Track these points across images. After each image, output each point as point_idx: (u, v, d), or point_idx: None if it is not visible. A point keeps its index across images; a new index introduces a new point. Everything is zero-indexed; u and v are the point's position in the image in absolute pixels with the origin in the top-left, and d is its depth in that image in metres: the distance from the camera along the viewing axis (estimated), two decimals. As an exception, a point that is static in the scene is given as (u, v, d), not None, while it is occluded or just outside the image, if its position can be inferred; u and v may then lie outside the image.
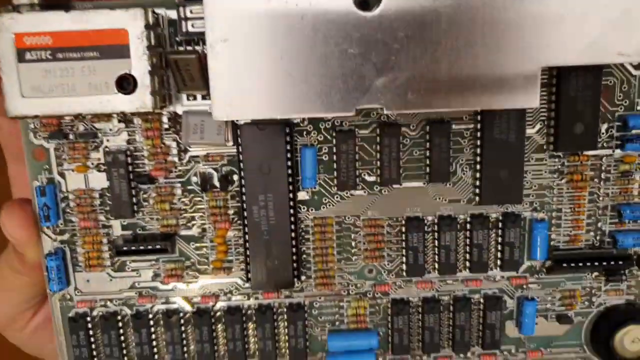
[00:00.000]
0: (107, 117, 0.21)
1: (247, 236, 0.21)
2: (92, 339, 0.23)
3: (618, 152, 0.21)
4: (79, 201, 0.22)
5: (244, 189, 0.21)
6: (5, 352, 0.29)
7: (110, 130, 0.21)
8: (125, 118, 0.21)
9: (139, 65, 0.19)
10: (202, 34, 0.19)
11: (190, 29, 0.19)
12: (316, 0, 0.18)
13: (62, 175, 0.21)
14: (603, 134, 0.21)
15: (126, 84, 0.19)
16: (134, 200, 0.21)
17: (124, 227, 0.22)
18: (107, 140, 0.21)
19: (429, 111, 0.20)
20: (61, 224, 0.22)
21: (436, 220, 0.22)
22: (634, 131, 0.21)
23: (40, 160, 0.21)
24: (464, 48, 0.18)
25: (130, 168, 0.21)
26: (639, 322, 0.23)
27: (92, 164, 0.21)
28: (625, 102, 0.21)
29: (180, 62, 0.19)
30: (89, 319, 0.23)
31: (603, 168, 0.22)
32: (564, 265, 0.22)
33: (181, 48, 0.20)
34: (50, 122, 0.21)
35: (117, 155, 0.21)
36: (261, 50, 0.18)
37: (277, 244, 0.21)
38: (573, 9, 0.18)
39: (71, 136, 0.21)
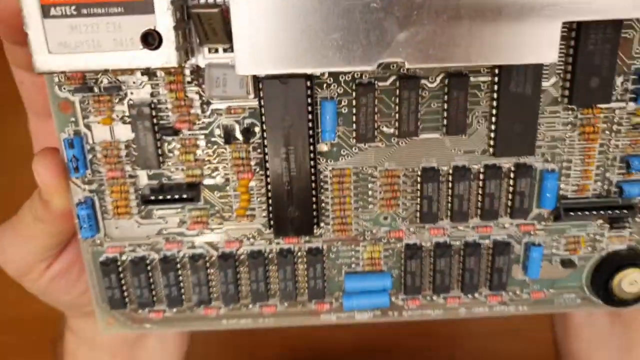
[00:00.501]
0: (131, 70, 0.21)
1: (269, 186, 0.22)
2: (123, 282, 0.24)
3: (631, 105, 0.22)
4: (106, 152, 0.22)
5: (265, 141, 0.22)
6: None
7: (134, 83, 0.21)
8: (148, 71, 0.21)
9: (163, 20, 0.19)
10: None
11: (211, -18, 0.19)
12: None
13: (88, 127, 0.22)
14: (618, 87, 0.22)
15: (151, 39, 0.19)
16: (159, 151, 0.22)
17: (150, 177, 0.23)
18: (131, 93, 0.22)
19: (449, 66, 0.21)
20: (89, 174, 0.23)
21: (451, 171, 0.23)
22: (648, 84, 0.21)
23: (66, 113, 0.22)
24: (485, 3, 0.18)
25: (154, 120, 0.22)
26: (638, 266, 0.24)
27: (117, 116, 0.22)
28: (643, 55, 0.21)
29: (203, 16, 0.19)
30: (119, 263, 0.24)
31: (615, 120, 0.22)
32: (571, 213, 0.23)
33: (202, 1, 0.20)
34: (75, 76, 0.21)
35: (142, 108, 0.21)
36: (284, 4, 0.18)
37: (298, 194, 0.22)
38: (598, -37, 0.18)
39: (96, 89, 0.21)
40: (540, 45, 0.19)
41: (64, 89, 0.22)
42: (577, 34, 0.20)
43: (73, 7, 0.19)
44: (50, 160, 0.22)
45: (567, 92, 0.22)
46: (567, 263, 0.24)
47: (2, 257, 0.25)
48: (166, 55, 0.19)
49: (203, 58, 0.21)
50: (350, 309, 0.25)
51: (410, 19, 0.18)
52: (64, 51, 0.19)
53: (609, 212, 0.23)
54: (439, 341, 0.46)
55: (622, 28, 0.20)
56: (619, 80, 0.22)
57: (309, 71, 0.20)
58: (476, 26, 0.18)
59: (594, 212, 0.23)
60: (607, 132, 0.22)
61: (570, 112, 0.22)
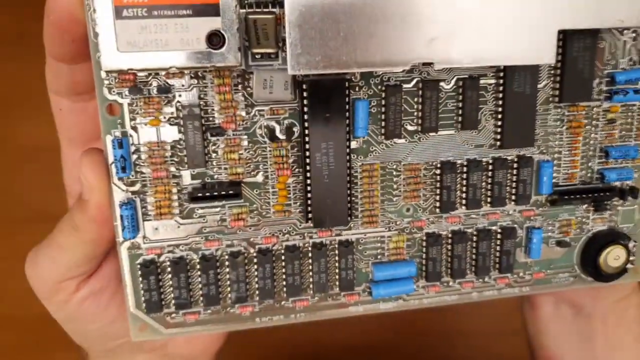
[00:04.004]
0: (180, 73, 0.23)
1: (308, 180, 0.24)
2: (161, 284, 0.25)
3: (606, 103, 0.26)
4: (151, 153, 0.23)
5: (307, 139, 0.24)
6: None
7: (182, 86, 0.23)
8: (197, 74, 0.23)
9: (227, 23, 0.21)
10: None
11: (263, -8, 0.22)
12: (381, -31, 0.21)
13: (134, 129, 0.23)
14: (594, 88, 0.26)
15: (216, 40, 0.21)
16: (206, 150, 0.23)
17: (193, 177, 0.24)
18: (179, 96, 0.23)
19: (471, 66, 0.24)
20: (132, 176, 0.23)
21: (465, 163, 0.26)
22: (619, 85, 0.26)
23: (114, 115, 0.23)
24: (501, 14, 0.22)
25: (202, 121, 0.23)
26: (618, 243, 0.28)
27: (164, 117, 0.23)
28: (613, 61, 0.26)
29: (258, 21, 0.22)
30: (158, 264, 0.24)
31: (594, 117, 0.26)
32: (565, 197, 0.27)
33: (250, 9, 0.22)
34: (127, 79, 0.22)
35: (193, 109, 0.23)
36: (331, 12, 0.21)
37: (335, 187, 0.24)
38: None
39: (145, 91, 0.23)
40: (541, 49, 0.23)
41: (113, 91, 0.22)
42: (563, 44, 0.25)
43: (144, 9, 0.20)
44: (97, 159, 0.23)
45: (557, 92, 0.26)
46: (562, 243, 0.28)
47: (34, 272, 0.25)
48: (229, 56, 0.21)
49: (249, 62, 0.23)
50: (379, 297, 0.26)
51: (439, 26, 0.22)
52: (132, 50, 0.20)
53: (594, 195, 0.27)
54: (437, 341, 0.48)
55: (598, 38, 0.25)
56: (595, 82, 0.26)
57: (351, 71, 0.23)
58: (494, 33, 0.22)
59: (583, 196, 0.27)
60: (588, 126, 0.27)
61: (559, 110, 0.26)
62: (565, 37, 0.25)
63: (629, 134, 0.27)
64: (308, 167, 0.24)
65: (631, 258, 0.28)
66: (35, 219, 0.41)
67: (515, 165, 0.26)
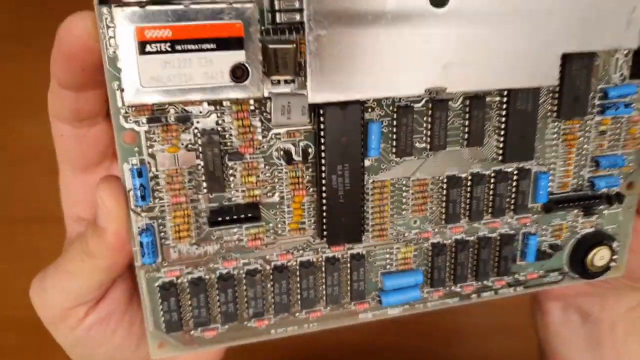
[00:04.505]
0: (199, 101, 0.22)
1: (324, 200, 0.25)
2: (181, 304, 0.25)
3: (597, 117, 0.28)
4: (170, 179, 0.23)
5: (323, 160, 0.24)
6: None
7: (200, 112, 0.23)
8: (215, 102, 0.23)
9: (251, 55, 0.21)
10: (292, 23, 0.21)
11: (282, 20, 0.22)
12: (398, 1, 0.21)
13: (152, 156, 0.23)
14: (589, 102, 0.27)
15: (239, 73, 0.21)
16: (224, 174, 0.24)
17: (211, 200, 0.24)
18: (197, 122, 0.23)
19: (479, 90, 0.25)
20: (150, 202, 0.23)
21: (470, 177, 0.27)
22: (611, 100, 0.27)
23: (131, 143, 0.23)
24: (508, 40, 0.23)
25: (221, 147, 0.23)
26: (604, 244, 0.30)
27: (182, 144, 0.23)
28: (606, 77, 0.27)
29: (279, 51, 0.22)
30: (176, 285, 0.25)
31: (587, 129, 0.28)
32: (559, 205, 0.28)
33: (268, 37, 0.22)
34: (145, 108, 0.22)
35: (212, 136, 0.23)
36: (350, 42, 0.21)
37: (350, 206, 0.25)
38: (589, 10, 0.23)
39: (163, 119, 0.22)
40: (545, 71, 0.24)
41: (130, 120, 0.22)
42: (563, 63, 0.26)
43: (168, 44, 0.20)
44: (115, 187, 0.23)
45: (555, 108, 0.27)
46: (554, 247, 0.30)
47: (41, 299, 0.25)
48: (253, 87, 0.21)
49: (266, 89, 0.23)
50: (387, 305, 0.28)
51: (449, 52, 0.22)
52: (156, 85, 0.20)
53: (584, 202, 0.29)
54: (436, 341, 0.49)
55: (595, 58, 0.26)
56: (589, 96, 0.27)
57: (369, 97, 0.23)
58: (500, 58, 0.23)
59: (574, 203, 0.29)
60: (581, 138, 0.28)
61: (555, 124, 0.27)
62: (565, 57, 0.26)
63: (617, 144, 0.29)
64: (324, 188, 0.24)
65: (614, 257, 0.30)
66: (35, 219, 0.41)
67: (515, 177, 0.28)
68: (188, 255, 0.25)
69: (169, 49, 0.20)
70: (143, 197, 0.23)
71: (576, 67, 0.26)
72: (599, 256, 0.30)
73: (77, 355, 0.27)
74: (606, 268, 0.30)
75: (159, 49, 0.20)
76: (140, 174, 0.22)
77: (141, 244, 0.23)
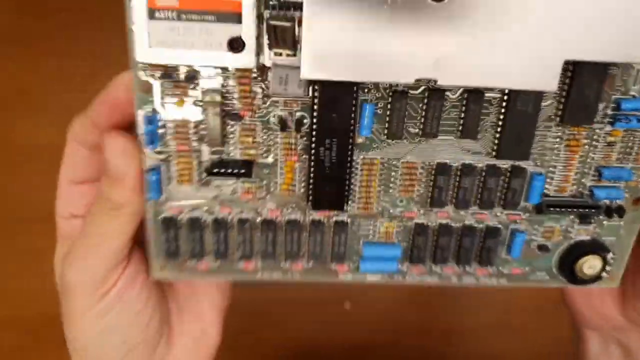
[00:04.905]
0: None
1: (312, 169, 0.27)
2: (179, 237, 0.29)
3: (608, 127, 0.27)
4: (177, 129, 0.26)
5: (313, 132, 0.26)
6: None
7: (208, 75, 0.25)
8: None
9: (247, 30, 0.23)
10: (295, 2, 0.23)
11: (285, -1, 0.23)
12: (397, -10, 0.22)
13: (163, 106, 0.26)
14: (600, 111, 0.27)
15: (236, 44, 0.23)
16: (224, 132, 0.26)
17: (212, 153, 0.27)
18: (205, 82, 0.26)
19: (471, 86, 0.25)
20: (160, 146, 0.27)
21: (460, 167, 0.28)
22: (623, 112, 0.27)
23: (146, 94, 0.26)
24: (507, 38, 0.23)
25: (222, 107, 0.26)
26: (596, 254, 0.30)
27: (190, 100, 0.26)
28: (623, 88, 0.26)
29: (278, 28, 0.23)
30: (177, 221, 0.28)
31: (595, 138, 0.28)
32: (551, 209, 0.29)
33: (272, 12, 0.24)
34: (158, 64, 0.25)
35: (214, 95, 0.25)
36: (347, 25, 0.23)
37: (335, 176, 0.27)
38: (596, 14, 0.23)
39: (174, 76, 0.25)
40: (545, 75, 0.24)
41: (147, 73, 0.25)
42: (573, 69, 0.25)
43: (174, 13, 0.22)
44: (126, 137, 0.26)
45: (559, 112, 0.27)
46: (543, 248, 0.30)
47: (78, 270, 0.26)
48: (246, 59, 0.23)
49: (269, 58, 0.25)
50: (365, 271, 0.30)
51: (445, 45, 0.23)
52: (162, 47, 0.23)
53: (581, 210, 0.29)
54: (436, 340, 0.49)
55: (609, 68, 0.25)
56: (601, 106, 0.27)
57: (358, 80, 0.24)
58: (497, 56, 0.23)
59: (569, 209, 0.29)
60: (587, 146, 0.28)
61: (560, 128, 0.27)
62: (576, 64, 0.25)
63: (628, 157, 0.28)
64: (312, 158, 0.27)
65: (607, 268, 0.30)
66: (35, 219, 0.38)
67: (508, 174, 0.28)
68: (189, 196, 0.28)
69: (175, 17, 0.22)
70: (152, 142, 0.26)
71: (587, 74, 0.25)
72: (589, 265, 0.30)
73: (95, 332, 0.28)
74: (596, 278, 0.30)
75: (166, 16, 0.22)
76: (151, 121, 0.26)
77: (149, 181, 0.27)
